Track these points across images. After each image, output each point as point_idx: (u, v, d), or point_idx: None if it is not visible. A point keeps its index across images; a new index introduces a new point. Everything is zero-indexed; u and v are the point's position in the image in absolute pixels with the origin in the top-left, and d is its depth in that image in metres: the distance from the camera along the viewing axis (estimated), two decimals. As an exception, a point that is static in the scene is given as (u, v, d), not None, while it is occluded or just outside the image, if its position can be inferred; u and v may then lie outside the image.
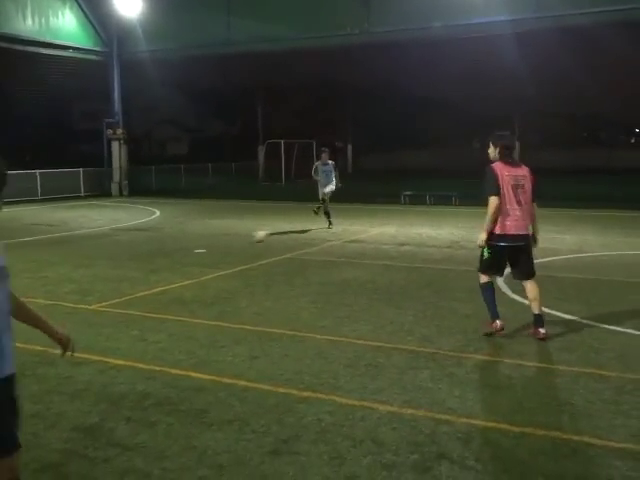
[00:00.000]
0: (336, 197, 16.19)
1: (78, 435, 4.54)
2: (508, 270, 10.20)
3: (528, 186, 6.51)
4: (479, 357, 6.09)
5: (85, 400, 5.15)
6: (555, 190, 25.21)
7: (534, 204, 6.60)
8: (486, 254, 6.59)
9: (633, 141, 61.03)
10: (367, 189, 26.74)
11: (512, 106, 44.57)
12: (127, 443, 4.39)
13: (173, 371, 5.76)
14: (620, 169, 38.44)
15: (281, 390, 5.29)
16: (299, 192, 28.85)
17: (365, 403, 5.02)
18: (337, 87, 46.35)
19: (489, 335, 6.61)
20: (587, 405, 4.96)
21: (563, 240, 13.65)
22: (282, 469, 4.04)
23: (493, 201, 6.37)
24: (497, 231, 6.47)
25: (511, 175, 6.44)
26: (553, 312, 7.62)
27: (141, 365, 5.93)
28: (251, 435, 4.50)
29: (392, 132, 51.46)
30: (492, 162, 6.58)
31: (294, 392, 5.25)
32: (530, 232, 6.59)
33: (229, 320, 7.44)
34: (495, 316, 6.59)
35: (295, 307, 8.07)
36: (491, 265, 6.66)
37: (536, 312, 6.54)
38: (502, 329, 6.53)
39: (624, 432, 4.49)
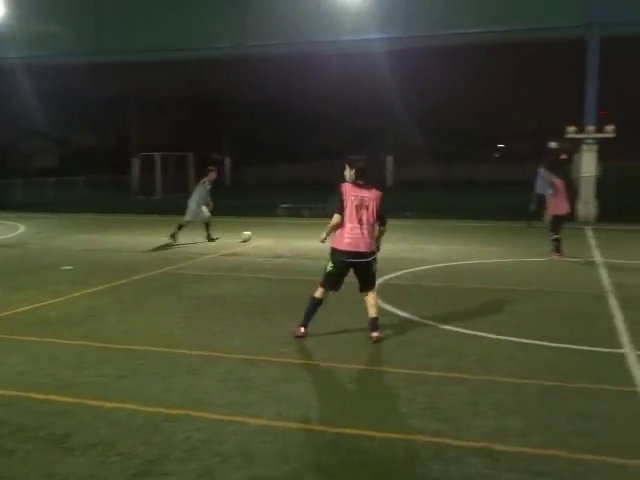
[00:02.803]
0: (213, 210, 15.97)
1: None
2: (381, 280, 10.52)
3: (372, 207, 6.89)
4: (351, 366, 6.20)
5: None
6: (424, 202, 26.32)
7: (377, 224, 6.99)
8: (329, 268, 7.10)
9: (497, 155, 64.80)
10: (245, 202, 26.70)
11: (386, 121, 46.12)
12: (-21, 475, 4.11)
13: (33, 395, 5.45)
14: (484, 182, 40.69)
15: (149, 409, 5.14)
16: (175, 206, 28.37)
17: (236, 418, 4.98)
18: (214, 100, 46.09)
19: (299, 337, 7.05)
20: (449, 408, 5.18)
21: (430, 250, 14.24)
22: (148, 491, 3.93)
23: (336, 218, 6.92)
24: (340, 247, 6.96)
25: (357, 196, 6.85)
26: (420, 319, 7.92)
27: (-2, 391, 5.57)
28: (116, 458, 4.34)
29: (271, 146, 51.80)
30: (345, 182, 7.00)
31: (163, 410, 5.12)
32: (371, 249, 6.97)
33: (96, 339, 7.16)
34: (306, 324, 7.12)
35: (167, 323, 7.89)
36: (331, 278, 7.09)
37: (373, 316, 7.08)
38: (303, 336, 7.06)
39: (481, 432, 4.72)
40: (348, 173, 6.99)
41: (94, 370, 6.09)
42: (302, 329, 7.08)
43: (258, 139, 52.02)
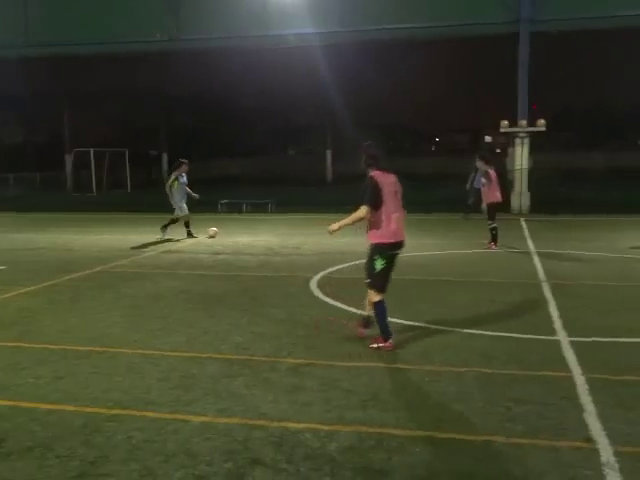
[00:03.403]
0: (150, 207, 15.72)
1: None
2: (323, 273, 10.56)
3: (400, 192, 6.66)
4: (292, 361, 6.21)
5: None
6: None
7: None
8: (380, 265, 6.46)
9: (433, 149, 65.97)
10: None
11: (324, 116, 46.25)
12: None
13: (-35, 400, 5.26)
14: (422, 175, 41.28)
15: (88, 410, 5.03)
16: (111, 203, 27.78)
17: (178, 416, 4.93)
18: (150, 95, 45.26)
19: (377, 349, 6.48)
20: (391, 398, 5.25)
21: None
22: (88, 493, 3.85)
23: (363, 210, 6.34)
24: (389, 239, 6.43)
25: (390, 182, 6.51)
26: (361, 312, 7.98)
27: None
28: (55, 461, 4.23)
29: (209, 141, 51.27)
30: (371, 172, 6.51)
31: (103, 411, 5.02)
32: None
33: (31, 340, 6.95)
34: (389, 335, 6.51)
35: (105, 322, 7.72)
36: (383, 277, 6.50)
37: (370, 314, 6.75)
38: (392, 347, 6.49)
39: (423, 420, 4.81)
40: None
41: (29, 372, 5.92)
42: (388, 341, 6.47)
43: (196, 134, 51.40)
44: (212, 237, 15.56)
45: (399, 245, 6.54)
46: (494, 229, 13.28)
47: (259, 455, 4.31)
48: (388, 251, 6.45)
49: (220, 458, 4.27)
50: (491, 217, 13.22)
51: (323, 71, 33.44)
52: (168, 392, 5.42)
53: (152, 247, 14.30)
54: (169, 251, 13.78)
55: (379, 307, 6.53)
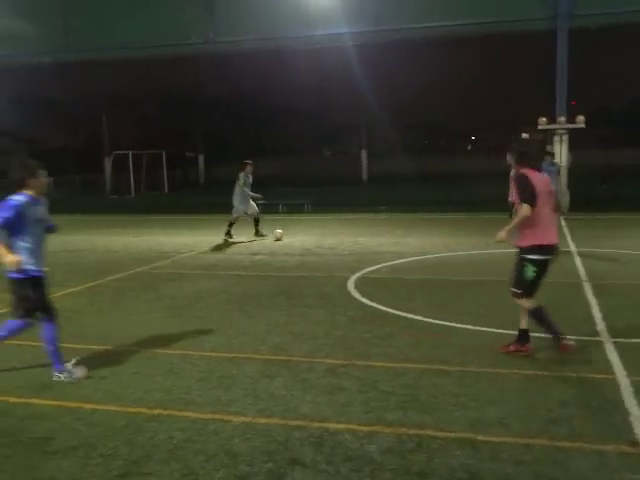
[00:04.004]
0: (188, 208, 15.89)
1: None
2: (360, 274, 10.56)
3: (552, 192, 6.22)
4: (330, 361, 6.21)
5: None
6: (399, 196, 26.45)
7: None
8: (532, 273, 6.06)
9: (469, 148, 65.28)
10: (219, 199, 26.57)
11: (358, 116, 46.20)
12: (-42, 482, 4.05)
13: (11, 399, 5.38)
14: (458, 174, 40.92)
15: (130, 410, 5.11)
16: (149, 204, 28.17)
17: (218, 416, 4.97)
18: (186, 97, 45.78)
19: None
20: (430, 399, 5.22)
21: (407, 243, 14.31)
22: (132, 492, 3.91)
23: (526, 209, 5.92)
24: (546, 241, 6.08)
25: (543, 181, 6.15)
26: (401, 313, 7.96)
27: (-25, 396, 5.50)
28: (99, 460, 4.31)
29: (245, 142, 51.57)
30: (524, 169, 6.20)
31: (144, 411, 5.09)
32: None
33: (74, 341, 7.06)
34: (559, 334, 6.18)
35: (145, 323, 7.84)
36: (536, 283, 6.12)
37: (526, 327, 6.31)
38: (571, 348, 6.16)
39: (463, 422, 4.77)
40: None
41: (73, 372, 6.02)
42: (566, 340, 6.18)
43: (231, 135, 51.79)
44: (278, 239, 15.24)
45: (553, 249, 6.12)
46: None
47: (299, 455, 4.32)
48: (542, 255, 6.02)
49: (260, 458, 4.29)
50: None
51: (357, 71, 33.40)
52: (208, 392, 5.47)
53: (190, 248, 14.45)
54: (206, 252, 13.91)
55: (537, 314, 6.13)
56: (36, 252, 5.76)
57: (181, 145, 48.84)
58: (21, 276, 5.58)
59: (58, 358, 5.82)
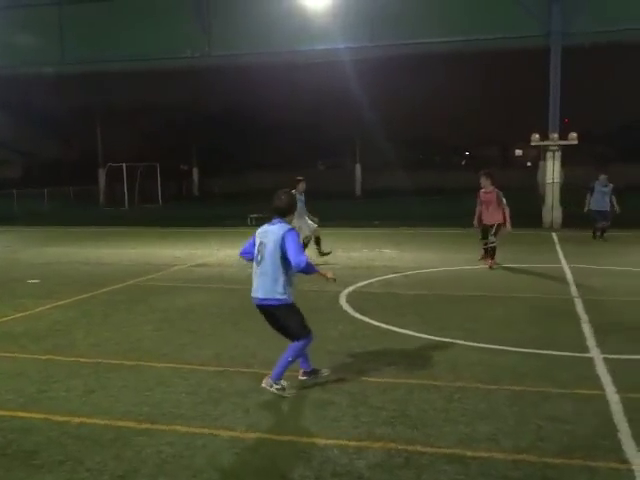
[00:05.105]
0: (181, 220, 15.87)
1: None
2: (352, 288, 10.54)
3: None
4: (324, 375, 6.19)
5: None
6: (394, 210, 26.51)
7: None
8: None
9: (463, 163, 65.55)
10: (213, 212, 26.60)
11: (353, 131, 46.38)
12: (-57, 496, 4.01)
13: (-1, 412, 5.35)
14: (452, 189, 41.06)
15: (119, 424, 5.08)
16: (143, 217, 28.14)
17: (207, 430, 4.94)
18: (181, 110, 45.89)
19: None
20: (420, 414, 5.21)
21: (401, 257, 14.33)
22: (118, 507, 3.87)
23: None
24: None
25: None
26: (392, 327, 7.96)
27: (-38, 408, 5.45)
28: (85, 474, 4.28)
29: (239, 155, 51.70)
30: None
31: (133, 425, 5.06)
32: None
33: (63, 353, 7.05)
34: None
35: (136, 336, 7.80)
36: None
37: None
38: None
39: (453, 438, 4.75)
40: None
41: (61, 385, 5.99)
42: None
43: (226, 149, 51.87)
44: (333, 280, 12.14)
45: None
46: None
47: (287, 471, 4.30)
48: None
49: (249, 474, 4.27)
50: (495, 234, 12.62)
51: (353, 86, 33.56)
52: (197, 406, 5.44)
53: (183, 261, 14.42)
54: (199, 265, 13.89)
55: None
56: None
57: (176, 158, 48.91)
58: None
59: None
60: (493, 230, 12.56)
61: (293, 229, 5.57)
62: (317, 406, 5.42)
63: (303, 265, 5.34)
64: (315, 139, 51.80)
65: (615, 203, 16.55)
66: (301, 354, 5.69)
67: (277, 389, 5.52)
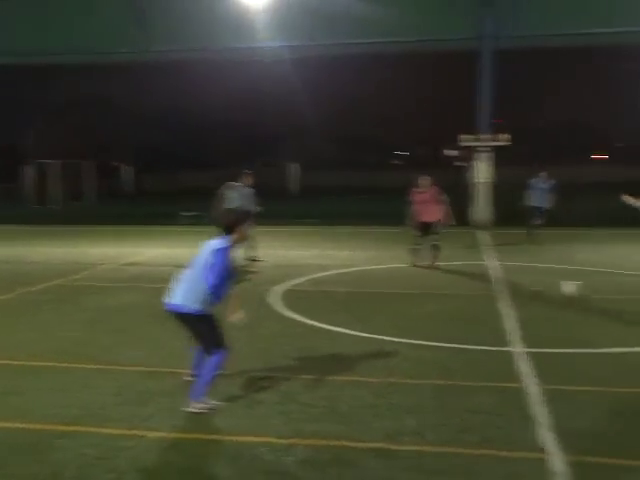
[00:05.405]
0: (114, 218, 15.54)
1: None
2: (284, 286, 10.55)
3: None
4: (252, 375, 6.19)
5: None
6: (328, 209, 26.64)
7: None
8: None
9: (397, 162, 66.47)
10: (147, 210, 26.14)
11: (290, 129, 46.42)
12: None
13: None
14: (385, 188, 41.58)
15: (40, 427, 4.95)
16: (74, 215, 27.39)
17: (133, 432, 4.87)
18: (115, 106, 44.94)
19: None
20: (349, 411, 5.27)
21: (333, 256, 14.43)
22: (38, 512, 3.78)
23: None
24: None
25: None
26: (322, 325, 8.01)
27: None
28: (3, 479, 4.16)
29: (174, 153, 50.94)
30: None
31: (57, 427, 4.93)
32: None
33: (-16, 356, 6.81)
34: None
35: (62, 336, 7.61)
36: None
37: None
38: None
39: (380, 433, 4.83)
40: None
41: (-20, 389, 5.79)
42: None
43: (161, 146, 51.04)
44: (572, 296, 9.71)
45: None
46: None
47: (214, 471, 4.29)
48: None
49: (173, 474, 4.23)
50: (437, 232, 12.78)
51: (291, 84, 33.59)
52: (124, 408, 5.36)
53: (114, 259, 14.13)
54: (130, 264, 13.64)
55: None
56: None
57: (110, 155, 47.83)
58: None
59: None
60: (435, 228, 12.64)
61: (227, 249, 5.34)
62: (246, 405, 5.41)
63: (208, 286, 5.19)
64: (252, 137, 51.60)
65: (551, 201, 16.36)
66: (219, 368, 5.46)
67: (204, 408, 5.28)
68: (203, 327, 5.37)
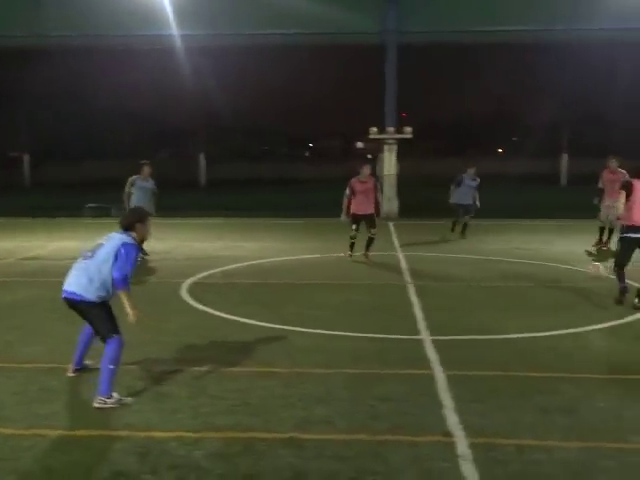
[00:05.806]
0: (10, 210, 14.80)
1: None
2: (194, 279, 10.38)
3: None
4: (158, 368, 6.06)
5: None
6: (237, 201, 26.46)
7: None
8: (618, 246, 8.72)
9: (307, 154, 66.84)
10: (47, 202, 25.08)
11: (197, 120, 45.62)
12: None
13: None
14: (296, 180, 41.76)
15: None
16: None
17: (34, 431, 4.67)
18: (9, 92, 42.69)
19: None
20: (260, 402, 5.26)
21: (243, 247, 14.34)
22: None
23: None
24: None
25: None
26: (232, 317, 7.95)
27: None
28: None
29: (75, 142, 49.03)
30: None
31: (-51, 430, 4.67)
32: None
33: None
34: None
35: (-45, 335, 7.20)
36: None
37: None
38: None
39: (290, 423, 4.85)
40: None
41: None
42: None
43: (61, 135, 49.01)
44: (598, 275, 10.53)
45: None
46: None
47: (122, 467, 4.18)
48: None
49: (78, 472, 4.09)
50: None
51: (197, 74, 33.00)
52: (24, 406, 5.13)
53: (12, 254, 13.48)
54: (29, 258, 13.05)
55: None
56: None
57: (4, 144, 45.55)
58: None
59: None
60: (372, 222, 12.40)
61: (133, 245, 5.38)
62: (155, 399, 5.30)
63: (118, 281, 5.25)
64: (156, 128, 50.44)
65: (477, 199, 15.78)
66: (118, 360, 5.34)
67: (112, 403, 5.17)
68: (98, 313, 5.37)
